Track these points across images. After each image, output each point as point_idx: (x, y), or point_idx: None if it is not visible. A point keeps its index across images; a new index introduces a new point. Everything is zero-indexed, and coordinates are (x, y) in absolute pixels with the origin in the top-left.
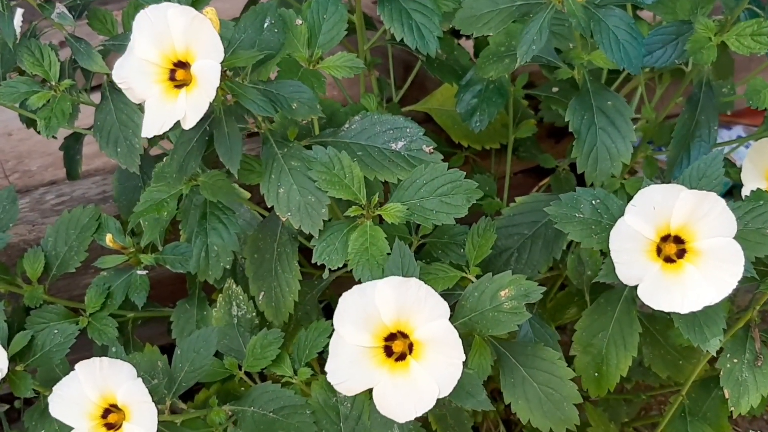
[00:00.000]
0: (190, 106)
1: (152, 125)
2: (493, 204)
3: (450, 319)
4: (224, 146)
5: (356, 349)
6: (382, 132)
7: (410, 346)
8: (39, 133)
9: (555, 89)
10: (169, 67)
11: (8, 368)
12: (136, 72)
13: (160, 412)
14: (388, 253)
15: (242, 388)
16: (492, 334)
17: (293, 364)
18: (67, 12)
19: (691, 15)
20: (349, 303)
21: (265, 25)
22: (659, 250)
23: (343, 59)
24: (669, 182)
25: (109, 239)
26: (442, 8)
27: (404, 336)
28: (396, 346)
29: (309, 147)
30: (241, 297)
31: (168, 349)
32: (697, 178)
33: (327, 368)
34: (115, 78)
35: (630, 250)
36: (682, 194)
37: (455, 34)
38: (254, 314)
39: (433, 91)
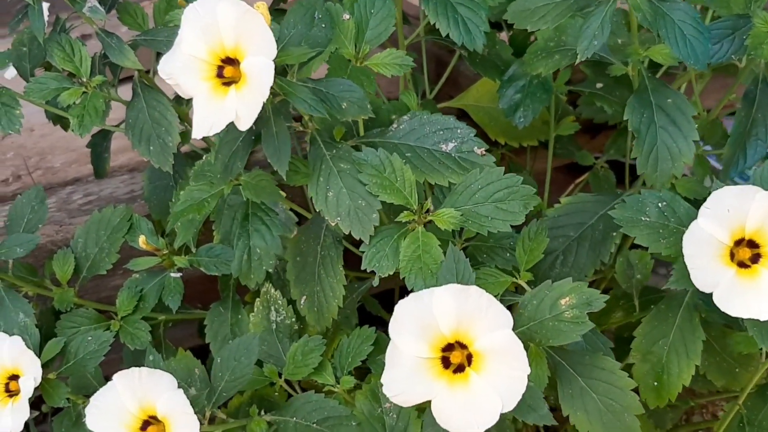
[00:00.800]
0: (242, 106)
1: (202, 125)
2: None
3: None
4: (272, 146)
5: (414, 360)
6: (432, 133)
7: (468, 357)
8: (72, 131)
9: (599, 85)
10: (217, 63)
11: (41, 376)
12: (183, 68)
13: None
14: (442, 261)
15: (276, 394)
16: (552, 344)
17: (335, 372)
18: (99, 6)
19: (747, 8)
20: (405, 312)
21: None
22: (732, 255)
23: (392, 56)
24: (726, 183)
25: (142, 241)
26: (487, 1)
27: (462, 347)
28: (454, 357)
29: (356, 147)
30: (279, 302)
31: (199, 351)
32: None
33: (383, 379)
34: (162, 73)
35: (704, 255)
36: (758, 195)
37: (492, 26)
38: (294, 319)
39: (467, 87)
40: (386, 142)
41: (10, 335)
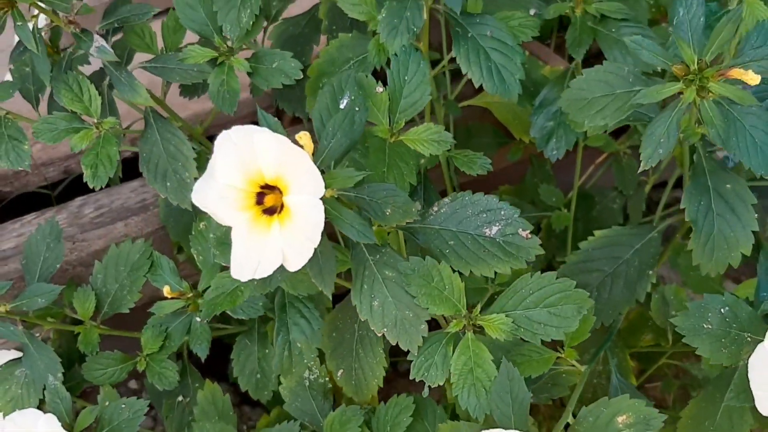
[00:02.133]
0: (289, 248)
1: (245, 264)
2: (561, 217)
3: None
4: (316, 267)
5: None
6: (474, 215)
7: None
8: (86, 181)
9: None
10: (256, 190)
11: None
12: (219, 198)
13: None
14: (495, 377)
15: None
16: None
17: None
18: (106, 45)
19: None
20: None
21: (344, 102)
22: None
23: (430, 132)
24: None
25: (167, 291)
26: (520, 38)
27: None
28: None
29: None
30: (313, 362)
31: (221, 375)
32: None
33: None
34: (196, 203)
35: None
36: None
37: None
38: (327, 379)
39: None
40: (427, 228)
41: (41, 397)
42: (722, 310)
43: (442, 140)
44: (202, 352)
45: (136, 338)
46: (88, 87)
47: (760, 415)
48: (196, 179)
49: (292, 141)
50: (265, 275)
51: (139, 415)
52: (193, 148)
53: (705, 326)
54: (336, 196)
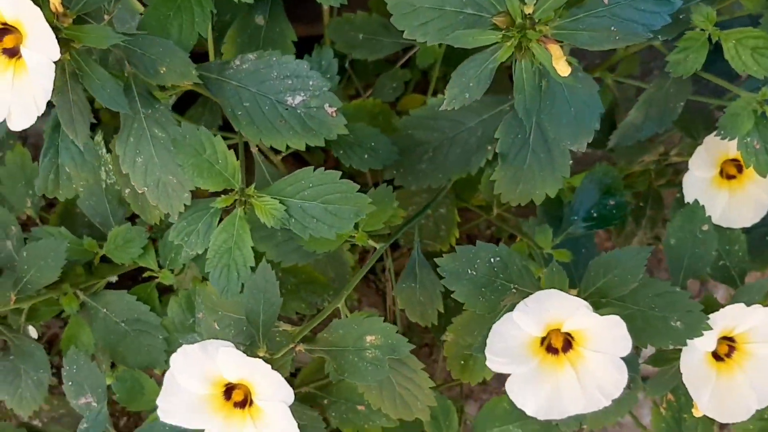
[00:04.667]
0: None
1: None
2: (428, 51)
3: None
4: (67, 114)
5: (191, 395)
6: (279, 79)
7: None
8: None
9: None
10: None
11: None
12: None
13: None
14: (252, 267)
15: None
16: (347, 378)
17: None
18: None
19: None
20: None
21: None
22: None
23: None
24: None
25: None
26: None
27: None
28: (236, 394)
29: None
30: (111, 165)
31: None
32: None
33: (159, 402)
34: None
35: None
36: None
37: None
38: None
39: None
40: (224, 82)
41: None
42: (492, 259)
43: None
44: None
45: None
46: None
47: None
48: None
49: None
50: None
51: None
52: None
53: (469, 271)
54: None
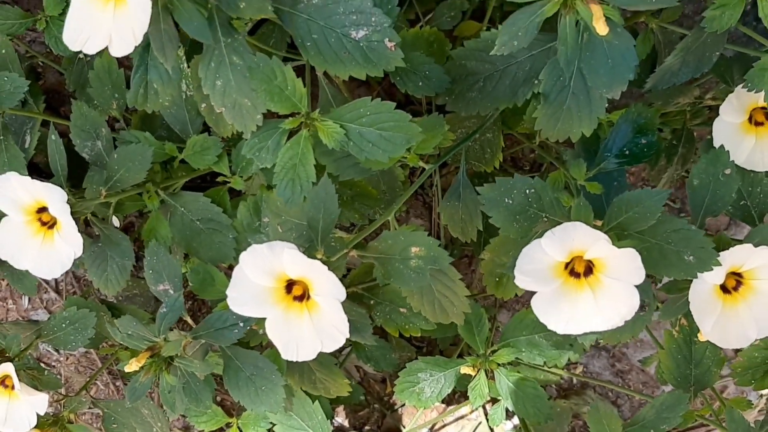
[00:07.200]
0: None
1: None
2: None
3: None
4: (159, 41)
5: (257, 287)
6: (344, 15)
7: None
8: None
9: None
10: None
11: None
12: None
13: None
14: (314, 183)
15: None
16: (394, 284)
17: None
18: None
19: None
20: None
21: None
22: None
23: None
24: None
25: None
26: None
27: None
28: (296, 289)
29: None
30: (191, 79)
31: None
32: None
33: (228, 292)
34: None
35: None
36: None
37: None
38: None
39: None
40: (295, 15)
41: None
42: (527, 191)
43: None
44: None
45: None
46: None
47: None
48: None
49: None
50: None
51: (19, 91)
52: None
53: (506, 200)
54: None
